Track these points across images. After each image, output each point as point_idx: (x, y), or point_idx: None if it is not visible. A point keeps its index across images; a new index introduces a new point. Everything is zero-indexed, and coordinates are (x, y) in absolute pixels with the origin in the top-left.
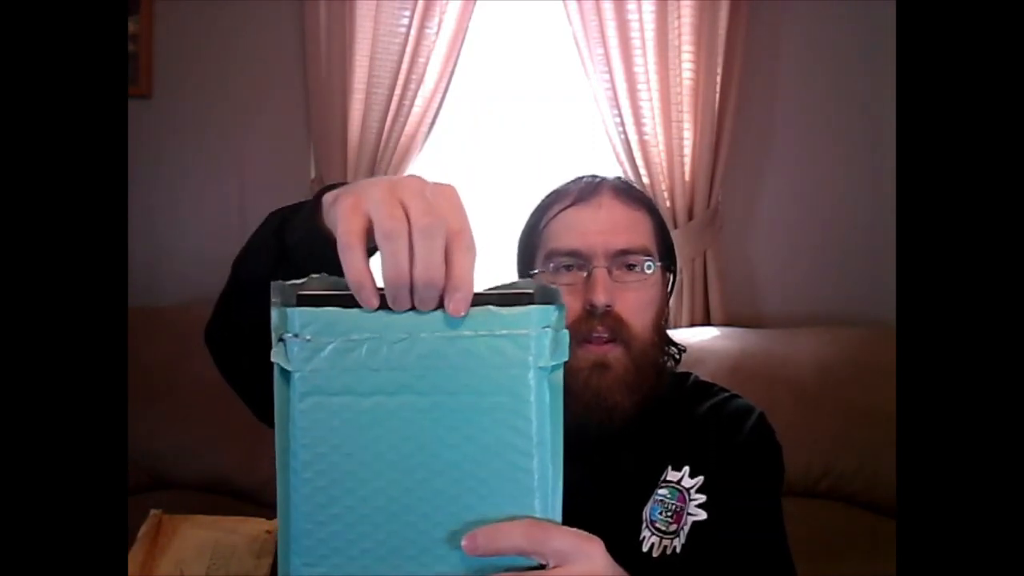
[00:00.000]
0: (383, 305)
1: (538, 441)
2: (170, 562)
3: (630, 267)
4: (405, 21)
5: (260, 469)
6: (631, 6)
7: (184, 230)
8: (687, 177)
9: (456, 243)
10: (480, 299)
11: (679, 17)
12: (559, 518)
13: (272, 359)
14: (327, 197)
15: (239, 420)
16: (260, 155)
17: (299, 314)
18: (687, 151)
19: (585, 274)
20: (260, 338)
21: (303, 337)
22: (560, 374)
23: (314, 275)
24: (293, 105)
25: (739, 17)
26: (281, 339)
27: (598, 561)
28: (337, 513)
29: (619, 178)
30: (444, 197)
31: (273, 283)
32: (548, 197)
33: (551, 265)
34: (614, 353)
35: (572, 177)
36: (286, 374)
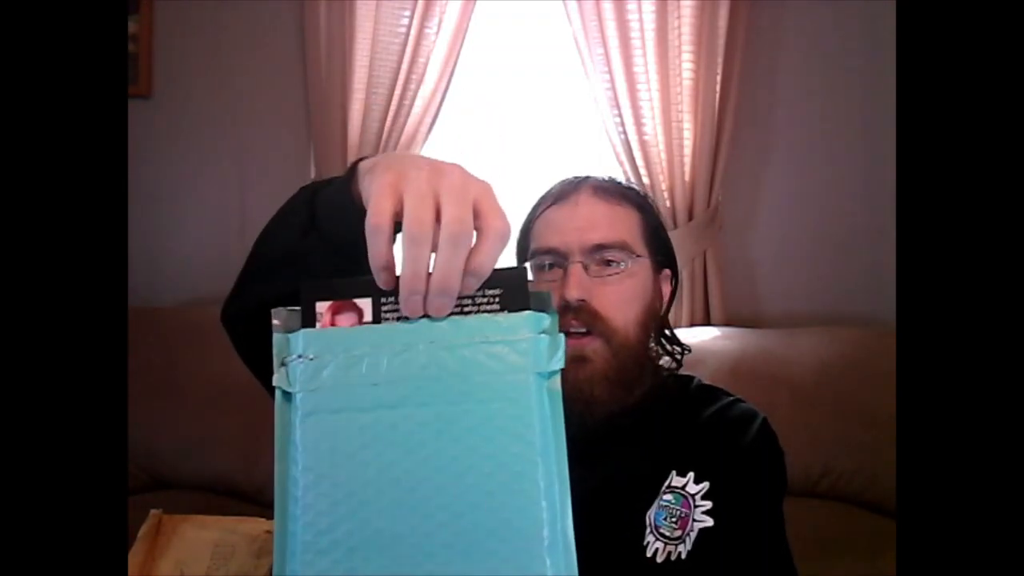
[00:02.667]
0: (385, 311)
1: (542, 448)
2: (170, 562)
3: (608, 262)
4: (405, 21)
5: (260, 469)
6: (631, 6)
7: (184, 230)
8: (687, 177)
9: (483, 242)
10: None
11: (679, 17)
12: (569, 525)
13: (274, 384)
14: (364, 164)
15: (239, 420)
16: (260, 155)
17: (302, 336)
18: (687, 151)
19: (563, 271)
20: None
21: (306, 356)
22: (558, 380)
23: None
24: (293, 105)
25: (739, 17)
26: (283, 363)
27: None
28: (338, 539)
29: (608, 177)
30: (484, 197)
31: (274, 309)
32: (537, 200)
33: (533, 264)
34: (592, 346)
35: (562, 179)
36: (288, 397)
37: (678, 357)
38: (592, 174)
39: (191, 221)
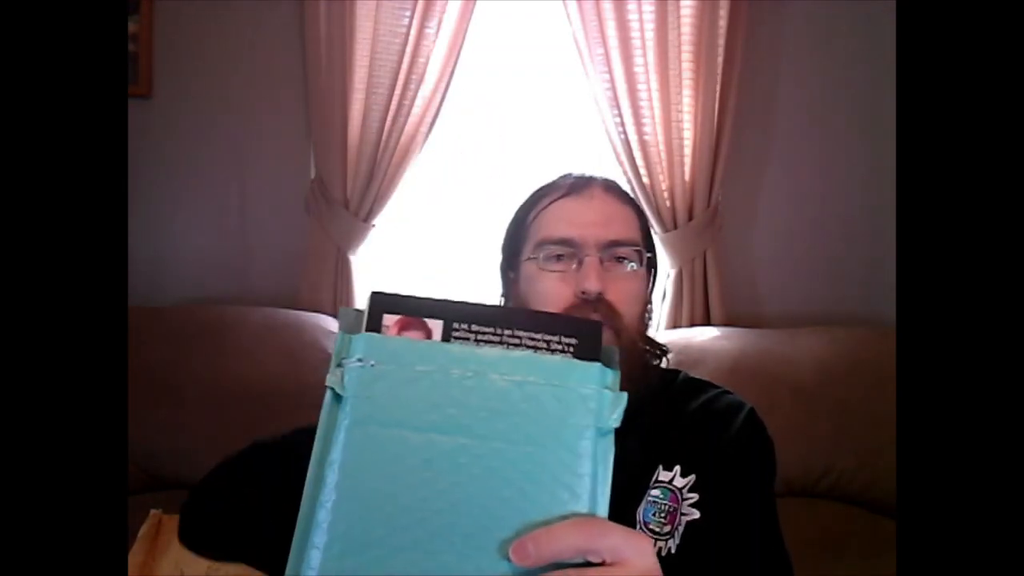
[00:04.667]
0: (456, 337)
1: (590, 503)
2: (170, 562)
3: (619, 259)
4: (405, 21)
5: None
6: (631, 6)
7: (184, 230)
8: (687, 177)
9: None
10: (555, 321)
11: (679, 17)
12: None
13: (327, 383)
14: None
15: (239, 420)
16: (260, 155)
17: (364, 339)
18: (687, 151)
19: (576, 263)
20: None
21: (367, 362)
22: (612, 439)
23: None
24: (293, 105)
25: (739, 17)
26: (339, 364)
27: (650, 559)
28: (362, 563)
29: (607, 177)
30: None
31: (341, 308)
32: (537, 192)
33: (541, 254)
34: (606, 337)
35: (560, 174)
36: (338, 399)
37: (659, 354)
38: (594, 172)
39: (191, 221)
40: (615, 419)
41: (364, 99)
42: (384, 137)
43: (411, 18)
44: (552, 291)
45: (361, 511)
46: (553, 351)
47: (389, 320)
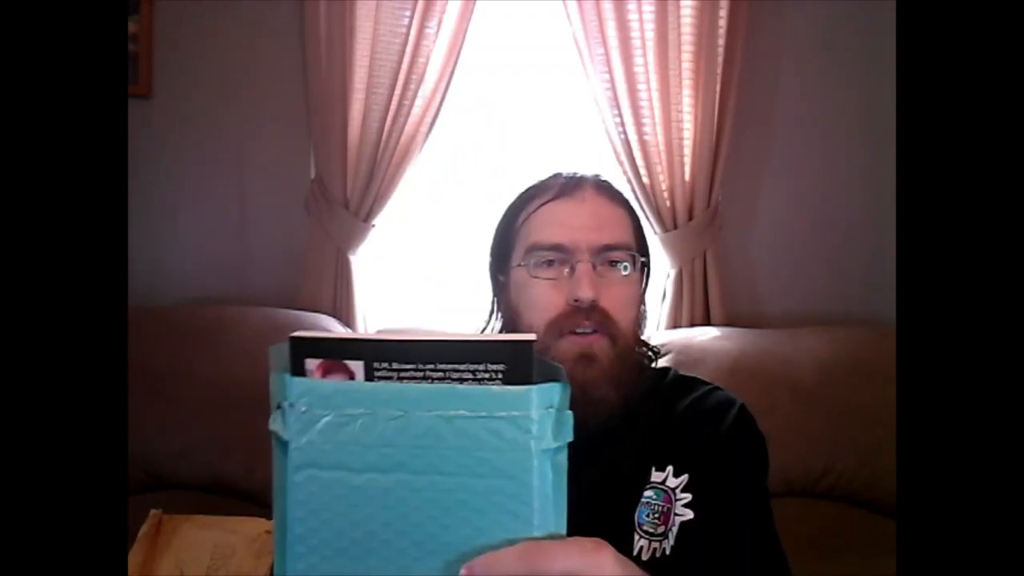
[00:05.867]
0: (379, 375)
1: (539, 525)
2: (170, 562)
3: (613, 263)
4: (405, 21)
5: (260, 469)
6: (631, 6)
7: (184, 230)
8: (687, 177)
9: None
10: (480, 347)
11: (679, 17)
12: None
13: (270, 427)
14: None
15: (239, 420)
16: (260, 155)
17: (295, 384)
18: (687, 151)
19: (568, 269)
20: None
21: (298, 408)
22: (564, 455)
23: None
24: (293, 105)
25: (739, 17)
26: (279, 406)
27: (608, 569)
28: None
29: (598, 175)
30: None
31: (272, 347)
32: (524, 194)
33: (532, 260)
34: (600, 344)
35: (550, 174)
36: (283, 443)
37: (653, 356)
38: (584, 172)
39: (191, 221)
40: (562, 436)
41: (364, 99)
42: (384, 137)
43: (411, 18)
44: (544, 299)
45: (319, 546)
46: (480, 380)
47: (312, 363)
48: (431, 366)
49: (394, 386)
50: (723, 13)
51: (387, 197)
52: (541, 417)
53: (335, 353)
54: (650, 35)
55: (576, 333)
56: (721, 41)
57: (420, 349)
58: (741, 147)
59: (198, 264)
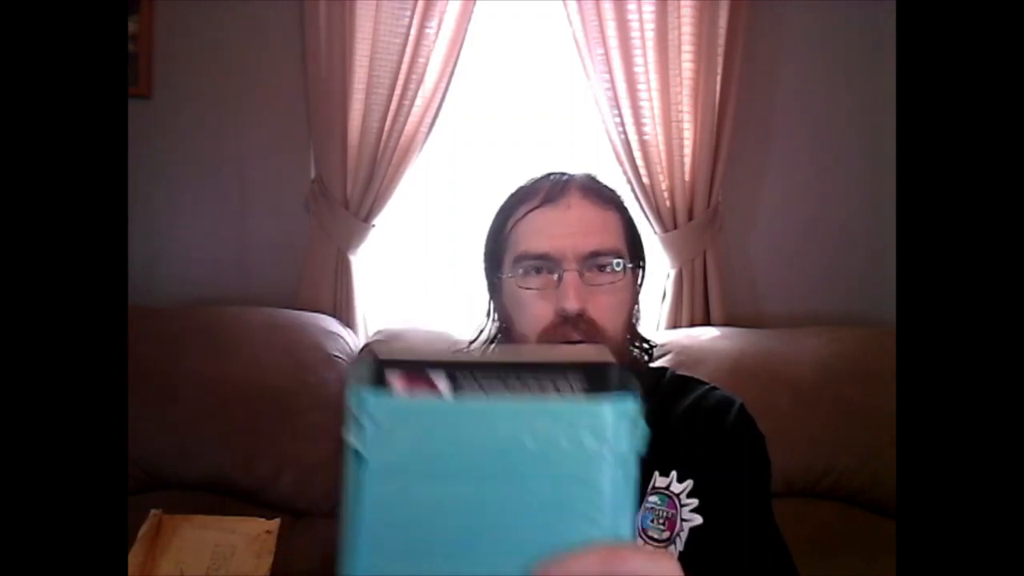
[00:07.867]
0: (461, 390)
1: (611, 529)
2: (170, 562)
3: (601, 268)
4: (405, 21)
5: (260, 469)
6: (631, 6)
7: (184, 230)
8: (687, 177)
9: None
10: (562, 364)
11: (679, 17)
12: None
13: (346, 438)
14: None
15: (239, 420)
16: (260, 155)
17: (374, 400)
18: (687, 151)
19: (555, 277)
20: None
21: (378, 424)
22: (634, 465)
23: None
24: (293, 105)
25: (739, 17)
26: (357, 419)
27: (673, 570)
28: None
29: (587, 175)
30: None
31: (354, 362)
32: (513, 197)
33: (520, 270)
34: (593, 351)
35: (538, 175)
36: (360, 456)
37: (648, 353)
38: (570, 172)
39: (191, 221)
40: (635, 444)
41: (364, 99)
42: (384, 137)
43: (411, 18)
44: (532, 310)
45: (388, 559)
46: (561, 391)
47: (393, 376)
48: (514, 378)
49: (478, 400)
50: (723, 13)
51: (387, 197)
52: (616, 426)
53: (417, 366)
54: (650, 35)
55: (566, 342)
56: (721, 41)
57: (503, 361)
58: (741, 147)
59: (198, 264)
